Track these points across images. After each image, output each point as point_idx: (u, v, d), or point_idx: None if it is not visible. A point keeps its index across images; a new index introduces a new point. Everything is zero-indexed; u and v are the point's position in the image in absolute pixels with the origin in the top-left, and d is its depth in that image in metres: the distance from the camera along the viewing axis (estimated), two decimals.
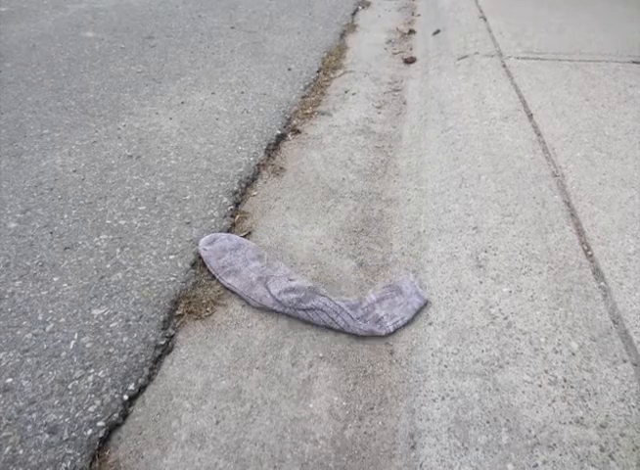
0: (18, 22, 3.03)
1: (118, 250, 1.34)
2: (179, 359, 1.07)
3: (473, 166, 1.51)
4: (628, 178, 1.39)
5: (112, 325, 1.12)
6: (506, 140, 1.61)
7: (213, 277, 1.28)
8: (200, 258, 1.32)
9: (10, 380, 0.99)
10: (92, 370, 1.02)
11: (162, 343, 1.09)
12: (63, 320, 1.13)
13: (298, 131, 2.03)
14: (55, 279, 1.24)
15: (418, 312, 1.14)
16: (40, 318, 1.13)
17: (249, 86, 2.39)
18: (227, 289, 1.25)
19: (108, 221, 1.44)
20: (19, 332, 1.09)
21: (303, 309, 1.14)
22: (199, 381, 1.03)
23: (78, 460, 0.87)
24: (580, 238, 1.18)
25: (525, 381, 0.87)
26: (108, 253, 1.33)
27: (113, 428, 0.93)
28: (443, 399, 0.90)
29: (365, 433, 0.94)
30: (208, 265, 1.29)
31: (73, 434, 0.91)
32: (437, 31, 3.01)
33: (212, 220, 1.47)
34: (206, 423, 0.95)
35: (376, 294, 1.21)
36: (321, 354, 1.09)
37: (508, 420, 0.82)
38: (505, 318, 0.99)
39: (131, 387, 1.00)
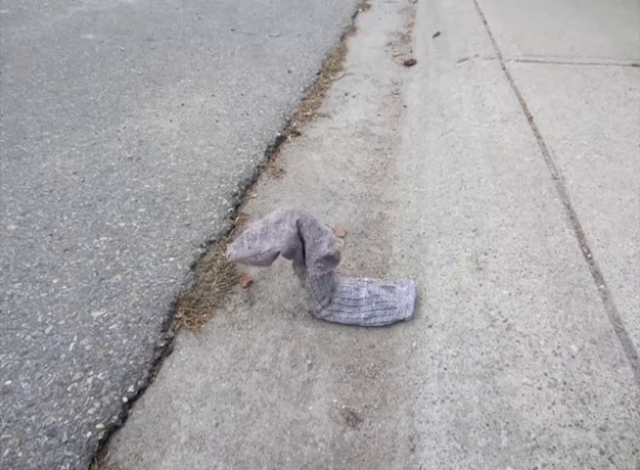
0: (18, 24, 3.04)
1: (118, 252, 1.34)
2: (178, 361, 1.07)
3: (472, 169, 1.51)
4: (628, 181, 1.39)
5: (111, 327, 1.12)
6: (506, 143, 1.61)
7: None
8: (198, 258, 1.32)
9: (9, 382, 0.99)
10: (91, 372, 1.02)
11: (162, 345, 1.09)
12: (62, 322, 1.13)
13: (298, 133, 2.04)
14: (54, 281, 1.24)
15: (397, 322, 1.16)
16: (39, 320, 1.13)
17: (248, 88, 2.39)
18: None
19: (107, 223, 1.44)
20: (18, 334, 1.09)
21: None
22: (198, 383, 1.02)
23: (77, 463, 0.87)
24: (580, 241, 1.18)
25: (525, 384, 0.87)
26: (107, 255, 1.33)
27: (112, 430, 0.93)
28: (443, 401, 0.90)
29: (364, 435, 0.94)
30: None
31: (73, 436, 0.91)
32: (437, 34, 3.01)
33: (212, 222, 1.47)
34: (206, 425, 0.94)
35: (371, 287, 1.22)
36: (321, 357, 1.09)
37: (507, 423, 0.82)
38: (505, 321, 0.99)
39: (130, 389, 1.00)
